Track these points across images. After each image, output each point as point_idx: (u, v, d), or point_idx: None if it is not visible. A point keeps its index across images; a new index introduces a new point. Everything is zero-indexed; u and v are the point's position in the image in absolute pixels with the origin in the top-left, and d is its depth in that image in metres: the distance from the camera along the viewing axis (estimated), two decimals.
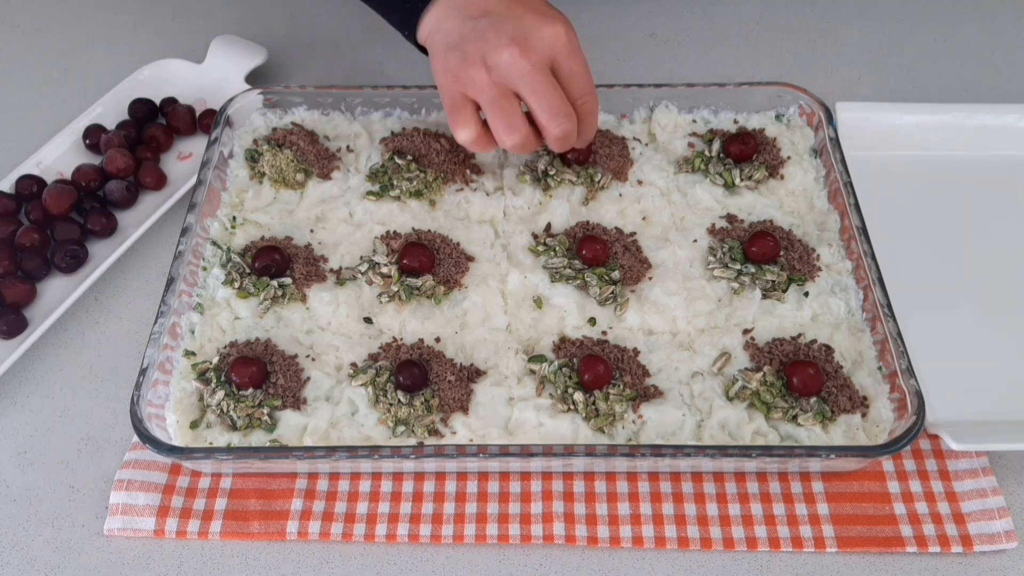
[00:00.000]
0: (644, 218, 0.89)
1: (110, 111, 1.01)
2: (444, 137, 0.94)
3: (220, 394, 0.75)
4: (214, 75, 1.06)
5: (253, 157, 0.93)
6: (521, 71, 0.75)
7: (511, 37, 0.75)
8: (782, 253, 0.84)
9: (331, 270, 0.85)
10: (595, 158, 0.92)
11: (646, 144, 0.95)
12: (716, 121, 0.97)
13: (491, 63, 0.76)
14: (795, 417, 0.74)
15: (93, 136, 0.98)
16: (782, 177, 0.91)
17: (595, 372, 0.75)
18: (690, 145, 0.95)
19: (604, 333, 0.80)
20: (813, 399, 0.74)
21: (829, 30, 1.18)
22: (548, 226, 0.88)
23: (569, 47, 0.77)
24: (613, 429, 0.74)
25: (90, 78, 1.11)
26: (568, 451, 0.70)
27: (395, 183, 0.91)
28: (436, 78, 0.81)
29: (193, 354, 0.78)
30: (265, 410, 0.74)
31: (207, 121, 1.01)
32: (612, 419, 0.74)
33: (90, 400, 0.81)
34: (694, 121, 0.97)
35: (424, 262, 0.83)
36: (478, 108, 0.80)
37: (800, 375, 0.75)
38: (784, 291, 0.82)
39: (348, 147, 0.95)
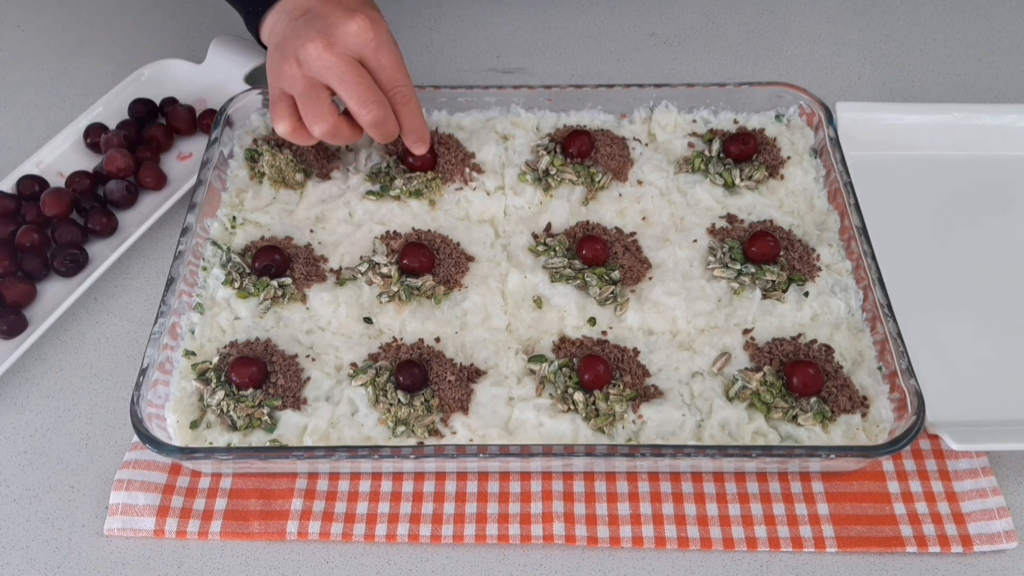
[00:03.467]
0: (644, 218, 0.89)
1: (110, 111, 1.01)
2: (444, 137, 0.94)
3: (220, 394, 0.75)
4: (214, 75, 1.06)
5: (253, 157, 0.93)
6: (327, 64, 0.79)
7: (318, 32, 0.79)
8: (782, 253, 0.84)
9: (331, 270, 0.85)
10: (596, 157, 0.92)
11: (646, 144, 0.95)
12: (716, 121, 0.97)
13: (301, 58, 0.80)
14: (795, 417, 0.74)
15: (93, 136, 0.98)
16: (782, 177, 0.91)
17: (595, 372, 0.75)
18: (690, 145, 0.95)
19: (604, 333, 0.80)
20: (813, 399, 0.74)
21: (829, 30, 1.18)
22: (548, 226, 0.88)
23: (376, 40, 0.80)
24: (613, 429, 0.74)
25: (90, 78, 1.11)
26: (568, 451, 0.70)
27: (395, 183, 0.91)
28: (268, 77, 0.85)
29: (193, 354, 0.78)
30: (265, 410, 0.74)
31: (207, 121, 1.01)
32: (612, 419, 0.74)
33: (90, 400, 0.81)
34: (694, 121, 0.97)
35: (424, 262, 0.83)
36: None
37: (800, 375, 0.75)
38: (784, 291, 0.82)
39: (348, 147, 0.95)
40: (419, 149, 0.88)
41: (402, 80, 0.83)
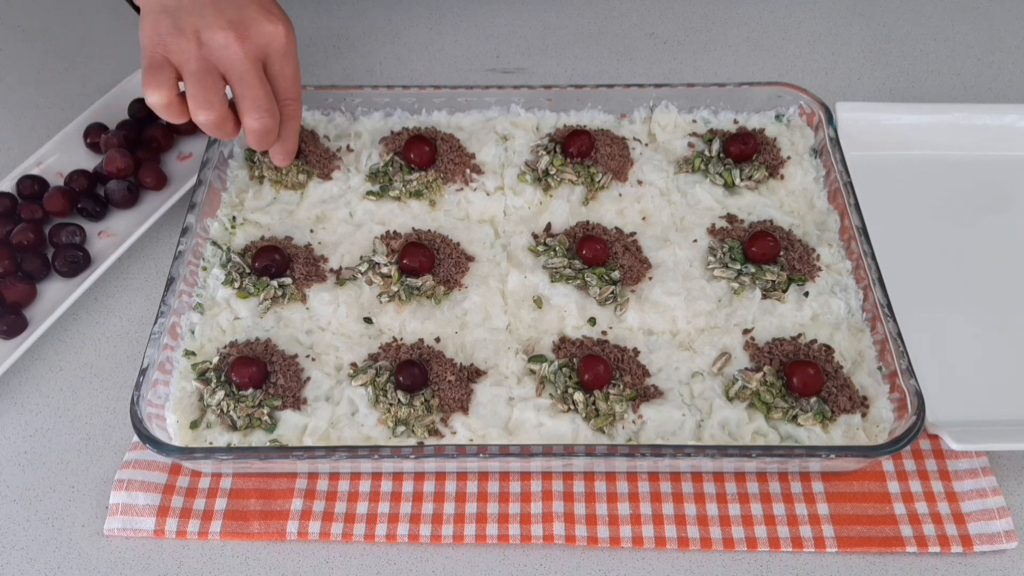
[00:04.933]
0: (644, 218, 0.89)
1: (110, 111, 1.01)
2: (444, 136, 0.94)
3: (220, 394, 0.75)
4: None
5: (253, 157, 0.93)
6: (233, 56, 0.76)
7: (230, 21, 0.76)
8: (782, 253, 0.84)
9: (331, 270, 0.85)
10: (596, 157, 0.92)
11: (646, 144, 0.95)
12: (716, 121, 0.97)
13: (204, 39, 0.75)
14: (795, 417, 0.74)
15: (93, 136, 0.98)
16: (782, 177, 0.91)
17: (595, 372, 0.75)
18: (690, 145, 0.95)
19: (604, 333, 0.80)
20: (813, 399, 0.74)
21: (829, 30, 1.18)
22: (548, 226, 0.88)
23: (285, 49, 0.79)
24: (613, 429, 0.74)
25: (90, 78, 1.11)
26: (568, 451, 0.69)
27: (395, 183, 0.91)
28: (141, 37, 0.78)
29: (193, 354, 0.78)
30: (265, 410, 0.74)
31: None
32: (612, 419, 0.74)
33: (90, 400, 0.81)
34: (694, 121, 0.97)
35: (424, 262, 0.83)
36: (179, 77, 0.77)
37: (800, 375, 0.75)
38: (784, 291, 0.82)
39: (348, 147, 0.95)
40: (281, 162, 0.87)
41: (296, 95, 0.82)
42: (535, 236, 0.87)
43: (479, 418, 0.74)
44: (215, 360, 0.77)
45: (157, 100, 0.76)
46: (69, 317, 0.87)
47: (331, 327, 0.81)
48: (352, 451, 0.70)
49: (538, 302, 0.82)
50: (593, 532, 0.72)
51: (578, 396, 0.74)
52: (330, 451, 0.70)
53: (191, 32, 0.76)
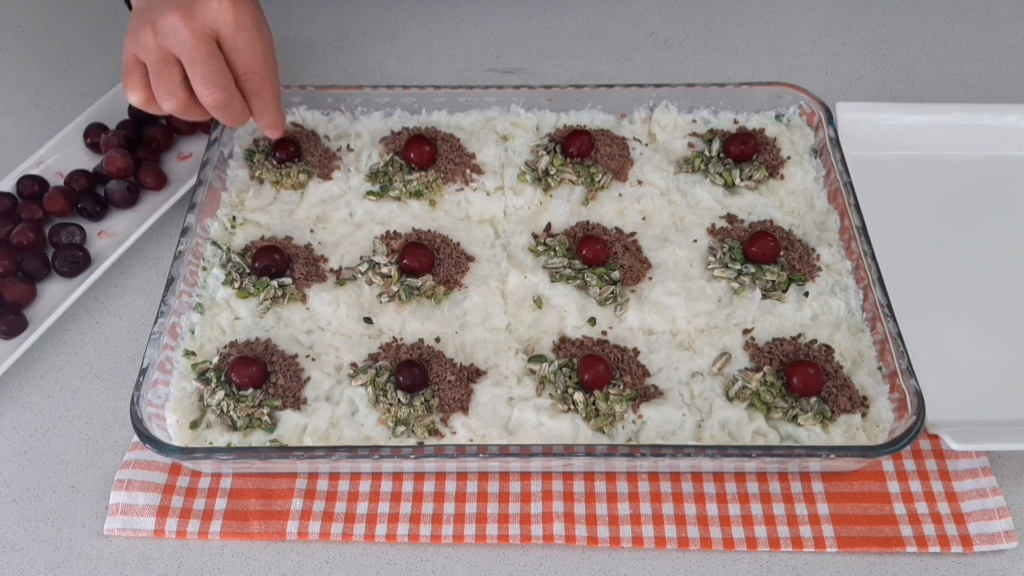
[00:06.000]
0: (644, 218, 0.89)
1: (110, 111, 1.01)
2: (444, 136, 0.94)
3: (220, 394, 0.75)
4: None
5: (253, 157, 0.93)
6: (181, 37, 0.76)
7: (179, 4, 0.77)
8: (782, 253, 0.84)
9: (331, 270, 0.85)
10: (596, 157, 0.92)
11: (646, 144, 0.95)
12: (716, 121, 0.97)
13: (158, 27, 0.77)
14: (795, 417, 0.74)
15: (93, 136, 0.98)
16: (782, 177, 0.91)
17: (595, 372, 0.75)
18: (690, 145, 0.95)
19: (604, 333, 0.80)
20: (813, 399, 0.74)
21: (829, 30, 1.18)
22: (548, 226, 0.88)
23: (235, 22, 0.78)
24: (613, 429, 0.74)
25: (90, 78, 1.11)
26: (568, 451, 0.70)
27: (395, 183, 0.91)
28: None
29: (193, 354, 0.78)
30: (265, 410, 0.74)
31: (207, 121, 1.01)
32: (612, 419, 0.74)
33: (90, 400, 0.81)
34: (694, 121, 0.97)
35: (424, 262, 0.83)
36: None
37: (800, 375, 0.75)
38: (784, 291, 0.82)
39: (348, 147, 0.95)
40: (271, 134, 0.86)
41: (256, 67, 0.80)
42: (535, 236, 0.87)
43: (479, 418, 0.74)
44: (215, 360, 0.77)
45: (135, 100, 0.80)
46: (69, 317, 0.87)
47: (331, 327, 0.81)
48: (352, 451, 0.70)
49: (538, 302, 0.82)
50: (593, 532, 0.72)
51: (578, 396, 0.74)
52: (330, 451, 0.70)
53: (149, 23, 0.77)
